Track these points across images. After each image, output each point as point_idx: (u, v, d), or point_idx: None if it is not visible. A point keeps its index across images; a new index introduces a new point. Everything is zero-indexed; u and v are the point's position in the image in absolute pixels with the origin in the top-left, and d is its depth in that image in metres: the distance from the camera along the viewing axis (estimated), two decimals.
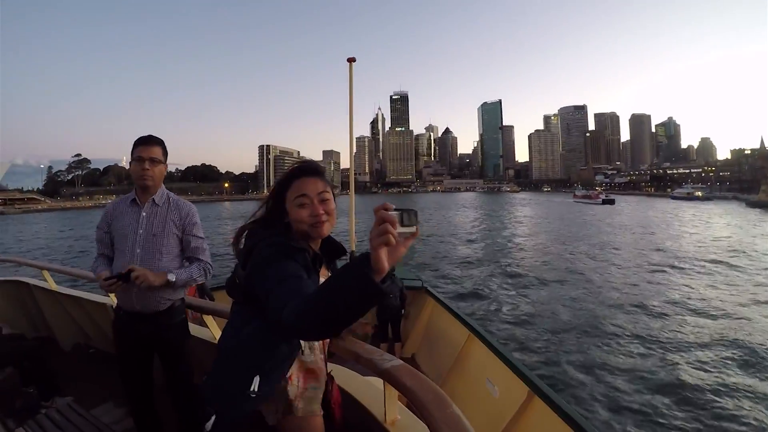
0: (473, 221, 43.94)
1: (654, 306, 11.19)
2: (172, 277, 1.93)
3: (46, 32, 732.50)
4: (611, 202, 77.89)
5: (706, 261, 18.20)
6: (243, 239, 1.29)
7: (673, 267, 16.92)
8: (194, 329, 2.88)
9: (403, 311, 5.72)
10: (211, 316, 2.85)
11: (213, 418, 1.21)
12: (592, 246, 23.28)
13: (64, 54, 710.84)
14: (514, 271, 16.18)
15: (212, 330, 2.88)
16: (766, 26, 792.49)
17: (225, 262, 15.11)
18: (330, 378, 1.46)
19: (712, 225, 37.75)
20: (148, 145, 1.98)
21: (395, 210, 0.83)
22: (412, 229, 0.85)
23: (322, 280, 1.12)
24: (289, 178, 1.28)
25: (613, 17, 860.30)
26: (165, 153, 2.07)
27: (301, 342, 1.30)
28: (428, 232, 32.78)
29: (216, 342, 2.53)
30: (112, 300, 3.69)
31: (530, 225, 39.19)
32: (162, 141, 2.05)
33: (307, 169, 1.28)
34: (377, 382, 1.75)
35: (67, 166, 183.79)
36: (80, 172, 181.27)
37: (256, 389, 1.20)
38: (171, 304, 2.08)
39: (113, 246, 2.06)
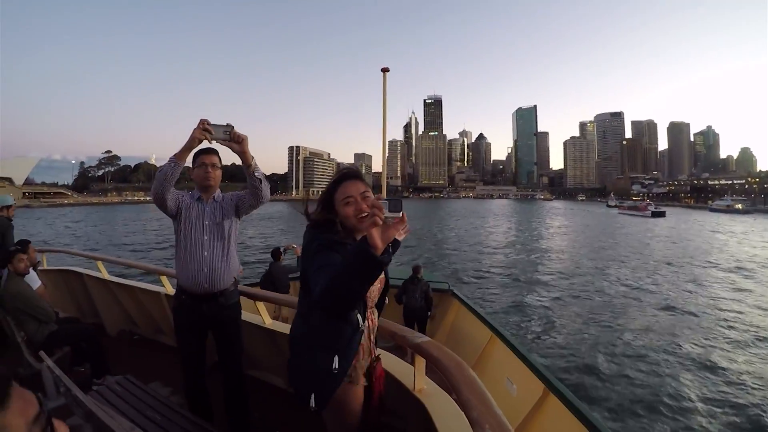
0: (507, 239, 35.96)
1: None
2: (254, 160, 2.22)
3: (86, 37, 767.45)
4: (662, 214, 73.40)
5: None
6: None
7: None
8: (246, 315, 3.12)
9: (429, 313, 5.97)
10: (262, 303, 3.19)
11: (313, 396, 1.43)
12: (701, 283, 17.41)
13: (106, 54, 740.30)
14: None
15: (263, 316, 3.21)
16: None
17: (254, 266, 16.71)
18: (377, 358, 1.69)
19: None
20: (209, 154, 2.40)
21: (384, 200, 1.16)
22: (398, 215, 1.16)
23: None
24: (335, 183, 1.53)
25: (651, 21, 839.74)
26: (221, 160, 2.49)
27: (360, 323, 1.49)
28: (450, 246, 30.46)
29: (265, 326, 3.17)
30: (166, 289, 4.05)
31: (580, 245, 31.43)
32: (218, 151, 2.43)
33: (349, 174, 1.55)
34: (405, 362, 2.22)
35: (97, 162, 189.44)
36: (110, 169, 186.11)
37: (337, 366, 1.43)
38: (230, 284, 2.46)
39: (178, 221, 2.39)
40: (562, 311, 12.69)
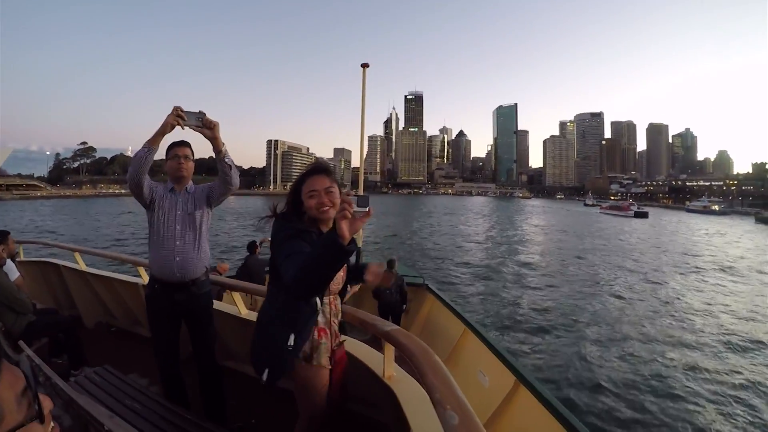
0: (486, 237, 35.02)
1: None
2: (224, 146, 2.28)
3: (63, 29, 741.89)
4: (645, 215, 71.88)
5: None
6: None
7: None
8: (222, 305, 3.28)
9: (404, 306, 6.02)
10: (238, 294, 3.26)
11: (266, 370, 1.54)
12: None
13: (84, 46, 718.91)
14: None
15: (239, 306, 3.24)
16: None
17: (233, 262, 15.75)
18: (340, 344, 1.80)
19: None
20: (182, 146, 2.47)
21: (353, 196, 1.28)
22: (365, 209, 1.28)
23: None
24: (303, 176, 1.64)
25: (632, 23, 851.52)
26: (193, 153, 2.54)
27: (318, 305, 1.61)
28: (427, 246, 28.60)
29: (241, 316, 3.19)
30: (143, 279, 4.07)
31: (564, 247, 29.25)
32: (190, 143, 2.53)
33: (317, 169, 1.64)
34: (378, 351, 2.27)
35: (72, 154, 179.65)
36: (86, 161, 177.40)
37: (292, 344, 1.54)
38: (201, 273, 2.50)
39: (151, 211, 2.43)
40: (546, 314, 12.20)
